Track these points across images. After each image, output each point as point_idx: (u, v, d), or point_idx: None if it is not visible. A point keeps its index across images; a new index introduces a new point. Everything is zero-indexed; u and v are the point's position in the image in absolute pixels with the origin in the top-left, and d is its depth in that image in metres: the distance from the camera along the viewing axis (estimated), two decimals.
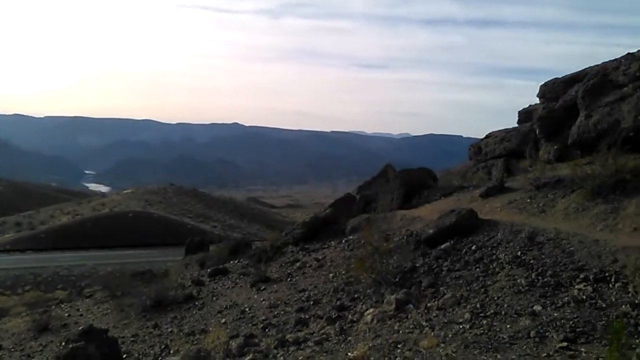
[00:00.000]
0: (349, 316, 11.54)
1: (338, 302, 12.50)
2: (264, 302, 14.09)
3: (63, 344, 11.33)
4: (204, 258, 22.80)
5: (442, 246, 13.24)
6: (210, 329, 12.72)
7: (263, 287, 15.33)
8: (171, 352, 12.01)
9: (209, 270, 18.83)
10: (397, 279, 12.43)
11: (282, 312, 13.05)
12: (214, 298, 15.68)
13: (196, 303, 15.60)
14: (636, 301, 8.65)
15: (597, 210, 13.14)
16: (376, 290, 12.32)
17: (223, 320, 13.48)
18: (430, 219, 15.30)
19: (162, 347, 12.75)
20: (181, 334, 13.34)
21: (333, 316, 11.75)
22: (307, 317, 12.27)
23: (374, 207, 16.50)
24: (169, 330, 13.99)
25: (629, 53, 19.64)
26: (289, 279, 15.45)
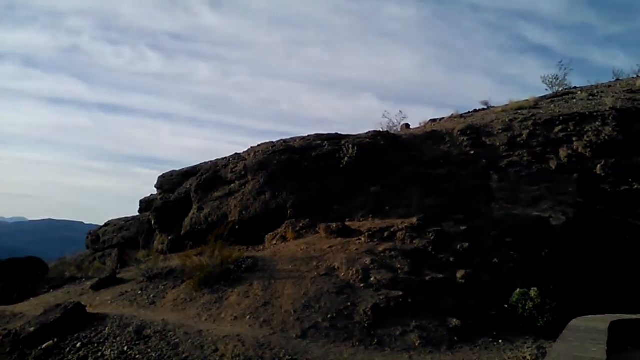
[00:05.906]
0: None
1: None
2: None
3: None
4: None
5: (44, 345, 12.07)
6: None
7: None
8: None
9: None
10: None
11: None
12: None
13: None
14: None
15: (204, 300, 13.78)
16: None
17: None
18: (34, 315, 13.94)
19: None
20: None
21: None
22: None
23: None
24: None
25: (236, 153, 21.88)
26: None
